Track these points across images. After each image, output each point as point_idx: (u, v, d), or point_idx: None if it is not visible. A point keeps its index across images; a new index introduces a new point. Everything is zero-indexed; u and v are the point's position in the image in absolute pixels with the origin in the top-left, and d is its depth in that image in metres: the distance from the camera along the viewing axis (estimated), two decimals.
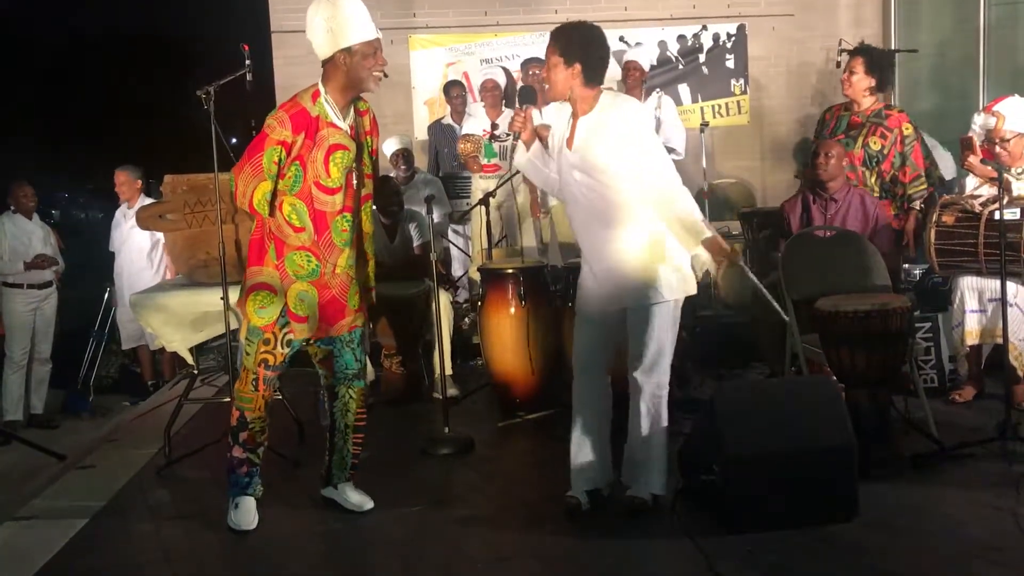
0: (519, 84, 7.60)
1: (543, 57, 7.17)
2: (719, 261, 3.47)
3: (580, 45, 3.47)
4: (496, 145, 6.65)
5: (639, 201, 3.46)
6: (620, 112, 3.48)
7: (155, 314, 4.72)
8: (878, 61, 5.32)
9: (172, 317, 4.71)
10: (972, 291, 4.69)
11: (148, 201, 6.84)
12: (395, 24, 7.76)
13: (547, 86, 3.55)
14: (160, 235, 6.71)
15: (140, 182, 7.16)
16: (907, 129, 5.24)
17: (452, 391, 5.18)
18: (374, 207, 4.16)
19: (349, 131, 3.53)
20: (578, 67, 3.45)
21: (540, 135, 3.63)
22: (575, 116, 3.54)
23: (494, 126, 6.65)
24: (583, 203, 3.54)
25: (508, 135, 6.58)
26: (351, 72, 3.44)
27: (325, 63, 3.48)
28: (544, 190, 3.67)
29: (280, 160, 3.41)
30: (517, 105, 3.65)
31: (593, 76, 3.49)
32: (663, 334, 3.51)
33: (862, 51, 5.40)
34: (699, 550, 3.23)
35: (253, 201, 3.42)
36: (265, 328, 3.52)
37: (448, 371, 5.09)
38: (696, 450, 3.69)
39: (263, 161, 3.39)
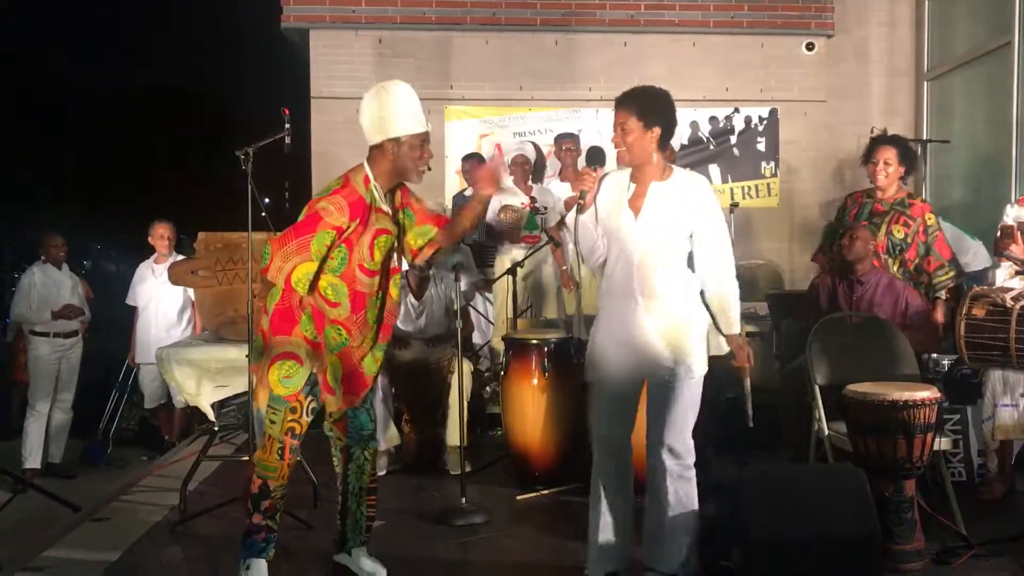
0: (549, 158, 7.69)
1: (575, 132, 7.35)
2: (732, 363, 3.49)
3: (659, 108, 3.46)
4: (539, 218, 6.68)
5: (685, 278, 3.47)
6: (699, 186, 3.50)
7: (179, 368, 4.74)
8: (908, 150, 5.34)
9: (195, 371, 4.73)
10: (1003, 384, 4.62)
11: (178, 257, 6.92)
12: (432, 95, 7.90)
13: (621, 150, 3.48)
14: (191, 293, 6.81)
15: (168, 237, 7.24)
16: (930, 219, 5.23)
17: (457, 469, 5.10)
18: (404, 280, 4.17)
19: (391, 215, 3.60)
20: (657, 131, 3.43)
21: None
22: (641, 181, 3.50)
23: (532, 199, 6.68)
24: (633, 268, 3.47)
25: (545, 208, 6.61)
26: (397, 161, 3.51)
27: (373, 148, 3.54)
28: (582, 255, 3.60)
29: (331, 244, 3.45)
30: (585, 165, 3.61)
31: (667, 141, 3.50)
32: (690, 409, 3.47)
33: (894, 141, 5.39)
34: None
35: (292, 279, 3.43)
36: (289, 398, 3.51)
37: (463, 443, 5.04)
38: (717, 535, 3.62)
39: (312, 243, 3.40)
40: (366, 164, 3.55)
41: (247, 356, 4.34)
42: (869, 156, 5.34)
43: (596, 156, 3.66)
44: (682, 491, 3.47)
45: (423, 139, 3.53)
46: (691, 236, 3.47)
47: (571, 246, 3.61)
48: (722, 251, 3.50)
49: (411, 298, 5.62)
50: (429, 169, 3.62)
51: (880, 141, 5.38)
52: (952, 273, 5.23)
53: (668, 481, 3.47)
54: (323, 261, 3.45)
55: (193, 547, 4.15)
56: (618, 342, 3.54)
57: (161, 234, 7.14)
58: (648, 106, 3.44)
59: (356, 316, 3.53)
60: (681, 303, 3.47)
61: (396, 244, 3.63)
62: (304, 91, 8.21)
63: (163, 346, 5.23)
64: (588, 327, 6.08)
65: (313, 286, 3.47)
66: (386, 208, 3.57)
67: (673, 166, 3.55)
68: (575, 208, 3.50)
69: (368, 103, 3.51)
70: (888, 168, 5.25)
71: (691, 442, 3.48)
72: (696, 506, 3.50)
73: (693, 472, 3.49)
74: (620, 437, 3.58)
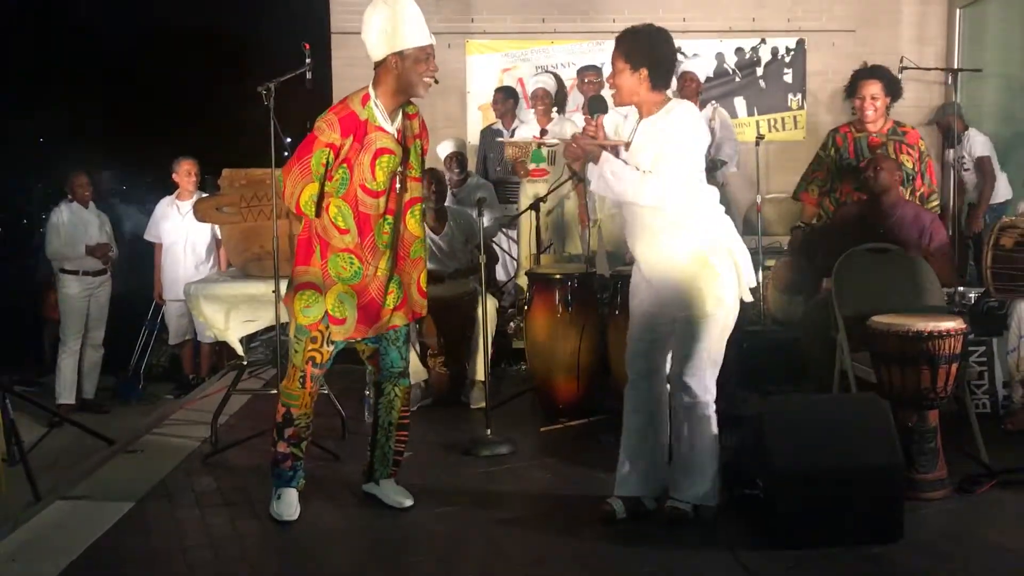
0: (572, 91, 7.62)
1: (598, 65, 7.27)
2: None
3: (646, 50, 3.44)
4: (544, 150, 6.66)
5: (682, 210, 3.43)
6: (671, 117, 3.44)
7: (207, 304, 4.80)
8: (892, 80, 5.17)
9: (224, 307, 4.78)
10: None
11: (201, 195, 6.95)
12: (453, 28, 7.82)
13: (613, 92, 3.52)
14: (218, 230, 6.84)
15: (192, 175, 7.24)
16: (923, 145, 5.15)
17: (479, 399, 5.16)
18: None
19: (396, 135, 3.56)
20: (644, 72, 3.42)
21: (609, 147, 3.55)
22: (640, 120, 3.52)
23: (543, 132, 6.66)
24: (632, 207, 3.50)
25: (556, 141, 6.58)
26: (402, 76, 3.46)
27: (377, 66, 3.50)
28: (610, 198, 3.60)
29: (328, 162, 3.44)
30: (587, 114, 3.60)
31: (659, 81, 3.47)
32: (711, 346, 3.48)
33: (876, 73, 5.18)
34: (740, 563, 3.21)
35: (300, 202, 3.45)
36: (311, 327, 3.56)
37: (480, 377, 5.10)
38: (741, 464, 3.66)
39: (311, 163, 3.42)
40: (371, 84, 3.53)
41: (273, 291, 4.41)
42: (854, 91, 5.17)
43: (597, 104, 3.61)
44: (699, 428, 3.51)
45: (428, 52, 3.49)
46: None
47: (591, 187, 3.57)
48: (658, 159, 3.38)
49: (431, 233, 5.63)
50: (436, 82, 3.57)
51: (862, 75, 5.19)
52: (939, 200, 5.19)
53: (683, 417, 3.52)
54: (324, 181, 3.45)
55: (225, 478, 4.24)
56: (644, 278, 3.60)
57: (188, 170, 7.15)
58: (632, 48, 3.44)
59: (364, 241, 3.53)
60: (684, 241, 3.45)
61: (401, 169, 3.60)
62: (325, 27, 8.14)
63: (191, 282, 5.28)
64: (610, 262, 6.14)
65: (319, 208, 3.48)
66: (389, 128, 3.53)
67: (671, 103, 3.50)
68: (588, 161, 3.48)
69: (371, 18, 3.45)
70: (876, 102, 5.08)
71: (710, 381, 3.50)
72: (715, 443, 3.54)
73: (711, 409, 3.52)
74: (645, 369, 3.62)
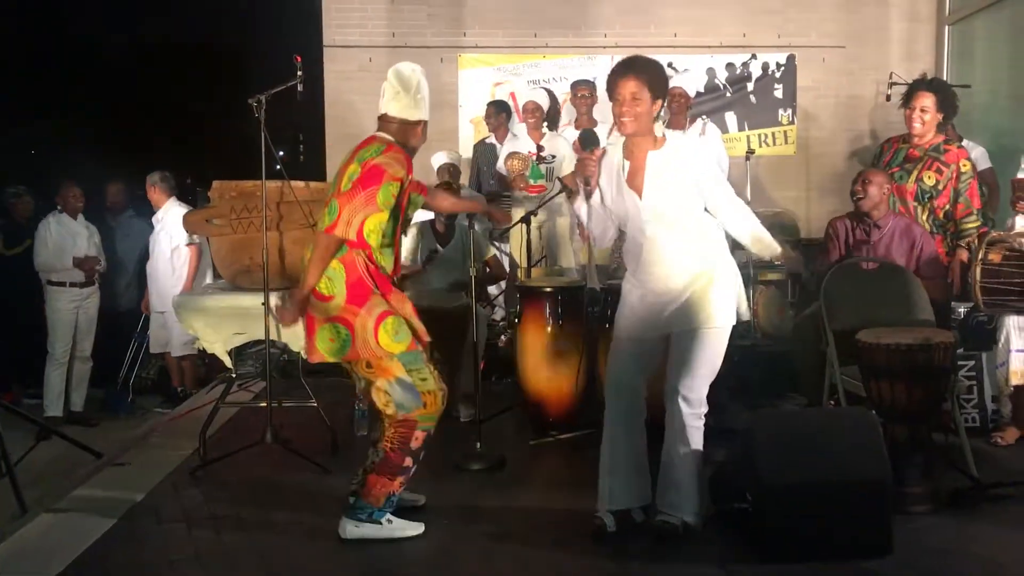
0: (565, 105, 7.64)
1: (591, 80, 7.29)
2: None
3: (664, 81, 3.52)
4: (543, 167, 6.67)
5: (701, 232, 3.51)
6: (692, 145, 3.59)
7: (197, 316, 4.78)
8: (948, 96, 5.15)
9: (213, 319, 4.76)
10: (1018, 330, 4.61)
11: (176, 205, 7.09)
12: (445, 42, 7.83)
13: (626, 119, 3.46)
14: (180, 241, 7.01)
15: (157, 187, 7.27)
16: (964, 166, 5.08)
17: (469, 413, 5.15)
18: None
19: None
20: (660, 103, 3.48)
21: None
22: (635, 155, 3.51)
23: (539, 148, 6.66)
24: (648, 242, 3.52)
25: (553, 157, 6.59)
26: (418, 142, 3.71)
27: (404, 124, 3.65)
28: (594, 237, 3.64)
29: (397, 195, 3.54)
30: (580, 148, 3.66)
31: (658, 114, 3.53)
32: (713, 360, 3.51)
33: (933, 86, 5.18)
34: None
35: (363, 231, 3.48)
36: (412, 347, 3.58)
37: (478, 389, 5.08)
38: (730, 477, 3.65)
39: (378, 194, 3.48)
40: (389, 136, 3.63)
41: (263, 303, 4.40)
42: (908, 100, 5.17)
43: (590, 139, 3.64)
44: (692, 441, 3.52)
45: None
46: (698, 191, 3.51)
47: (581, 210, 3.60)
48: (731, 198, 3.57)
49: (436, 244, 5.65)
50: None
51: (919, 86, 5.18)
52: (979, 222, 5.13)
53: (679, 428, 3.52)
54: (395, 213, 3.55)
55: (213, 491, 4.22)
56: (641, 294, 3.60)
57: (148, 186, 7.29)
58: (655, 78, 3.47)
59: (393, 276, 3.66)
60: (699, 256, 3.50)
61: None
62: (317, 41, 8.16)
63: (178, 295, 5.26)
64: (601, 276, 6.13)
65: (387, 243, 3.57)
66: None
67: (666, 131, 3.57)
68: (581, 194, 3.52)
69: (417, 79, 3.65)
70: (924, 115, 5.07)
71: (704, 392, 3.51)
72: (700, 454, 3.55)
73: (702, 422, 3.54)
74: (632, 382, 3.62)
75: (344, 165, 3.60)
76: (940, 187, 5.06)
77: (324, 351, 3.57)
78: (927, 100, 5.09)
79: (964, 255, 5.07)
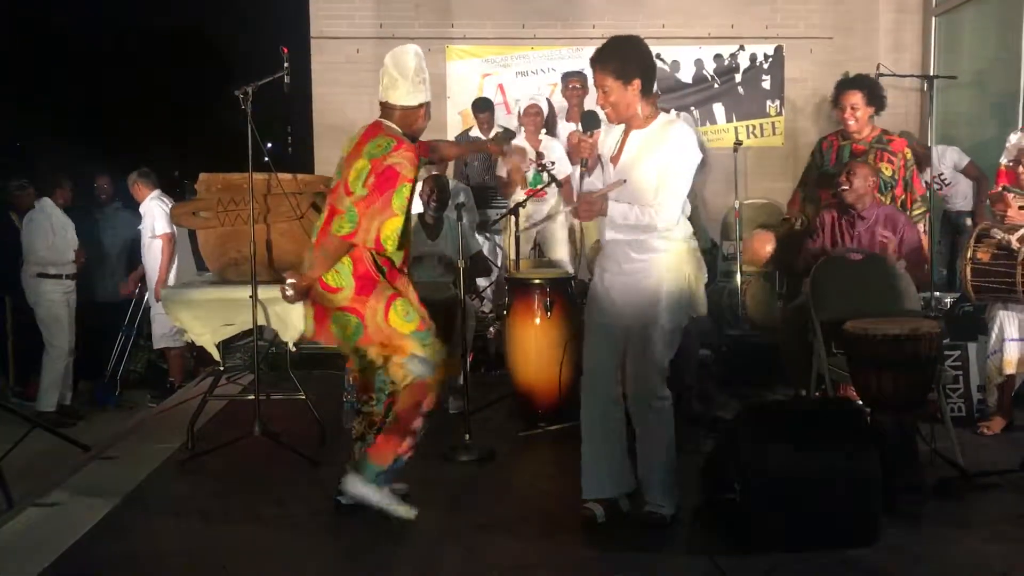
0: (553, 95, 7.63)
1: (580, 71, 7.28)
2: None
3: (635, 59, 3.44)
4: (545, 175, 6.62)
5: (668, 227, 3.45)
6: (671, 127, 3.48)
7: (184, 309, 4.76)
8: (874, 90, 5.17)
9: (201, 312, 4.75)
10: (1012, 319, 4.63)
11: (153, 199, 7.10)
12: (433, 34, 7.80)
13: (607, 110, 3.48)
14: (153, 233, 7.03)
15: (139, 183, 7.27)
16: (908, 154, 5.16)
17: (458, 405, 5.15)
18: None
19: None
20: (637, 83, 3.42)
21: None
22: (627, 131, 3.52)
23: (539, 155, 6.59)
24: (608, 213, 3.49)
25: (553, 163, 6.53)
26: (423, 124, 3.69)
27: (406, 110, 3.62)
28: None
29: (410, 196, 3.54)
30: (581, 130, 3.61)
31: (649, 89, 3.47)
32: (660, 356, 3.49)
33: (857, 83, 5.20)
34: (717, 568, 3.21)
35: (381, 236, 3.49)
36: (421, 326, 3.64)
37: (467, 380, 5.08)
38: (718, 468, 3.66)
39: (393, 198, 3.48)
40: (393, 124, 3.61)
41: (251, 296, 4.39)
42: (836, 101, 5.20)
43: (591, 120, 3.61)
44: (657, 429, 3.53)
45: None
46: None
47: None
48: (663, 186, 3.41)
49: (426, 239, 5.63)
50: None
51: (845, 86, 5.20)
52: (924, 208, 5.21)
53: (644, 420, 3.55)
54: (407, 216, 3.54)
55: (201, 484, 4.21)
56: (607, 284, 3.60)
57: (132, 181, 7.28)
58: (624, 61, 3.42)
59: (403, 266, 3.68)
60: (653, 242, 3.47)
61: None
62: (304, 32, 8.12)
63: (167, 287, 5.24)
64: (589, 267, 6.14)
65: (403, 242, 3.56)
66: None
67: (660, 111, 3.54)
68: (579, 175, 3.51)
69: (415, 62, 3.59)
70: (856, 112, 5.09)
71: (662, 381, 3.50)
72: (673, 446, 3.56)
73: (668, 408, 3.53)
74: (603, 372, 3.61)
75: (350, 156, 3.60)
76: (895, 177, 5.10)
77: (338, 336, 3.63)
78: (855, 97, 5.10)
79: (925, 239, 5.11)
